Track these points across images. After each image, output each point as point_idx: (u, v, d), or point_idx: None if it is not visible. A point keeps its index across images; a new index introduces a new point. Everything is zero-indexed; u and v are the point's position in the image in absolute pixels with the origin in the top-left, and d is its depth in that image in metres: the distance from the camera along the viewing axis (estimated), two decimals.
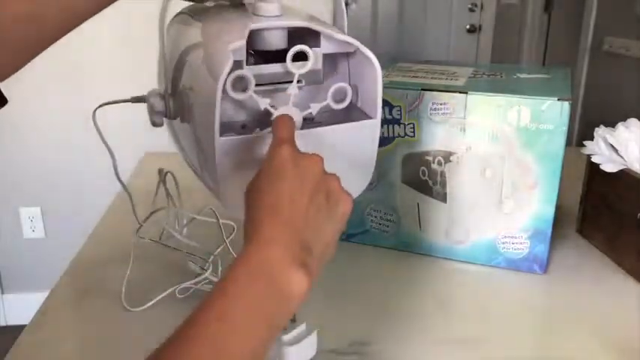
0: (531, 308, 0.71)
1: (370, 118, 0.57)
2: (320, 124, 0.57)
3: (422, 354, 0.62)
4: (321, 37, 0.56)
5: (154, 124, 0.59)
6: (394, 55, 1.79)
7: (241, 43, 0.52)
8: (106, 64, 1.84)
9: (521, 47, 2.77)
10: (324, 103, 0.56)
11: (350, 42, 0.56)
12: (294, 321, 0.60)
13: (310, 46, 0.55)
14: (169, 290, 0.69)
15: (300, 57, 0.55)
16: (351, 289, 0.74)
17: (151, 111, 0.58)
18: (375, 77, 0.56)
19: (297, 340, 0.59)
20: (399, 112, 0.76)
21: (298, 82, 0.56)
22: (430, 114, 0.75)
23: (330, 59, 0.59)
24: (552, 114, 0.70)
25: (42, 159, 1.97)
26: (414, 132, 0.77)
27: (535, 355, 0.63)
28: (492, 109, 0.73)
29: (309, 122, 0.57)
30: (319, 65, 0.57)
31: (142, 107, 0.62)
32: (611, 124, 0.83)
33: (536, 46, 2.75)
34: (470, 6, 2.65)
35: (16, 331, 0.64)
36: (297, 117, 0.57)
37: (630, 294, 0.74)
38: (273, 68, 0.57)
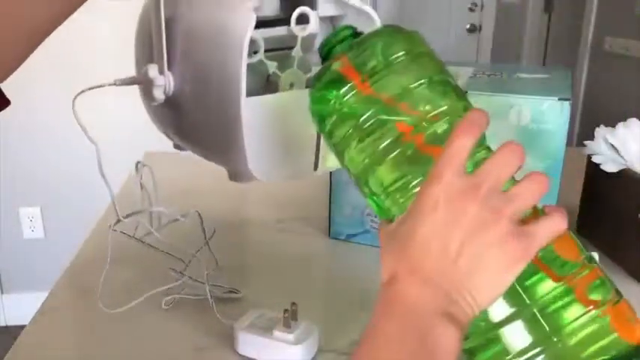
0: None
1: None
2: None
3: None
4: (318, 1, 0.56)
5: (154, 100, 0.57)
6: None
7: (259, 2, 0.51)
8: (107, 64, 1.84)
9: (521, 47, 2.77)
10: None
11: (351, 3, 0.56)
12: (295, 320, 0.60)
13: (307, 19, 0.56)
14: (151, 292, 0.68)
15: (300, 21, 0.55)
16: (351, 289, 0.74)
17: (150, 86, 0.55)
18: None
19: (298, 340, 0.59)
20: None
21: (292, 48, 0.56)
22: None
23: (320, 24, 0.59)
24: (552, 114, 0.70)
25: (41, 159, 1.97)
26: None
27: None
28: (492, 108, 0.72)
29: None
30: (317, 28, 0.57)
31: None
32: (612, 124, 0.83)
33: (536, 46, 2.75)
34: (470, 6, 2.65)
35: (15, 331, 0.64)
36: (302, 79, 0.57)
37: (631, 294, 0.73)
38: (277, 32, 0.57)
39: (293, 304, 0.60)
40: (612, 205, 0.81)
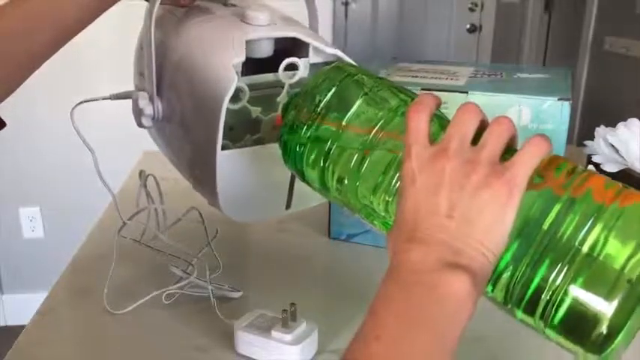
0: None
1: None
2: None
3: None
4: (310, 48, 0.57)
5: (141, 125, 0.59)
6: (394, 55, 1.79)
7: (242, 58, 0.53)
8: (106, 64, 1.84)
9: (521, 47, 2.77)
10: None
11: (339, 55, 0.57)
12: (294, 320, 0.60)
13: (297, 54, 0.56)
14: (154, 293, 0.68)
15: (290, 65, 0.56)
16: (351, 289, 0.74)
17: (139, 113, 0.58)
18: None
19: (296, 340, 0.59)
20: None
21: (282, 87, 0.58)
22: None
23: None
24: (553, 114, 0.70)
25: (41, 159, 1.97)
26: None
27: (536, 351, 0.63)
28: (493, 108, 0.72)
29: None
30: (306, 74, 0.59)
31: None
32: (612, 123, 0.83)
33: (536, 46, 2.75)
34: (470, 6, 2.64)
35: (15, 331, 0.64)
36: None
37: None
38: (265, 78, 0.58)
39: (292, 304, 0.60)
40: None
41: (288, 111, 0.50)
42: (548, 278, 0.37)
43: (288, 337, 0.58)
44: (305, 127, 0.48)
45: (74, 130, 0.64)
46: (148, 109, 0.58)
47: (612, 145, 0.80)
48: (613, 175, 0.79)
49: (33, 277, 2.01)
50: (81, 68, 1.85)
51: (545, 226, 0.38)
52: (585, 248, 0.37)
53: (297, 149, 0.48)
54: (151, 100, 0.58)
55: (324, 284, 0.76)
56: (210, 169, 0.54)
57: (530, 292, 0.39)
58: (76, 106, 0.63)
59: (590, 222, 0.37)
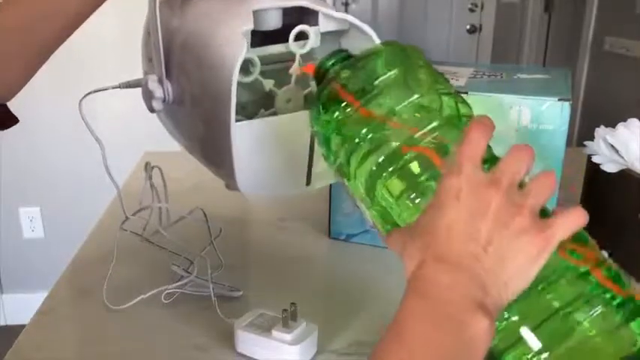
0: None
1: None
2: None
3: None
4: (319, 16, 0.56)
5: (152, 109, 0.58)
6: None
7: (250, 26, 0.52)
8: (108, 63, 1.84)
9: (521, 47, 2.77)
10: None
11: (350, 20, 0.56)
12: (294, 320, 0.60)
13: (308, 24, 0.55)
14: (154, 292, 0.68)
15: (300, 36, 0.55)
16: (351, 289, 0.74)
17: (150, 96, 0.57)
18: None
19: (296, 340, 0.59)
20: None
21: (293, 60, 0.56)
22: None
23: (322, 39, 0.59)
24: (552, 114, 0.70)
25: (41, 159, 1.97)
26: None
27: None
28: (493, 109, 0.72)
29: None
30: (317, 43, 0.57)
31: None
32: (612, 124, 0.83)
33: (536, 46, 2.75)
34: (470, 6, 2.65)
35: (15, 331, 0.64)
36: (300, 96, 0.56)
37: None
38: (275, 49, 0.56)
39: (292, 304, 0.60)
40: (612, 205, 0.81)
41: (324, 80, 0.46)
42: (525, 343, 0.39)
43: (288, 337, 0.58)
44: (341, 107, 0.45)
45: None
46: (159, 92, 0.56)
47: (612, 146, 0.80)
48: (613, 175, 0.79)
49: (33, 277, 2.01)
50: (82, 66, 1.85)
51: (542, 289, 0.39)
52: (567, 318, 0.39)
53: (329, 126, 0.45)
54: (161, 82, 0.57)
55: (324, 284, 0.76)
56: (226, 143, 0.53)
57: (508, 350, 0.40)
58: (85, 96, 0.62)
59: (579, 301, 0.39)
